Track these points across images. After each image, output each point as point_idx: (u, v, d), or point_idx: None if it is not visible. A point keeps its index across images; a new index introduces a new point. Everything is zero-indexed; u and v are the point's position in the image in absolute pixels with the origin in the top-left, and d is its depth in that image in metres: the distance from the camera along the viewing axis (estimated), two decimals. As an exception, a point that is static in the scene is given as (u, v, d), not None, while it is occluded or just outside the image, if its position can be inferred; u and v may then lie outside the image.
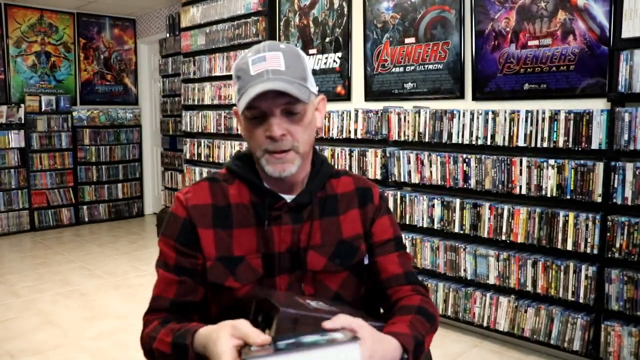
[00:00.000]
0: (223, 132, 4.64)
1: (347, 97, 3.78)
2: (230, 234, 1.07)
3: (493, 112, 2.85)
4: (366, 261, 1.14)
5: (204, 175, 4.77)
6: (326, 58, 3.90)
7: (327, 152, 3.64)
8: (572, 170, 2.57)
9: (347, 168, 3.53)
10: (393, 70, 3.47)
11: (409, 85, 3.39)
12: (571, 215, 2.58)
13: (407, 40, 3.37)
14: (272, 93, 0.97)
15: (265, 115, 1.00)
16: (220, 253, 1.06)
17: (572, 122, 2.57)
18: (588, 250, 2.54)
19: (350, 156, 3.51)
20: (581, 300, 2.57)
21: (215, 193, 1.10)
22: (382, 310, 1.17)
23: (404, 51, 3.40)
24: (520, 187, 2.75)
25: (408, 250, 3.31)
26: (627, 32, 2.42)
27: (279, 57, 1.00)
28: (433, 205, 3.11)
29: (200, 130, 4.94)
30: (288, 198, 1.09)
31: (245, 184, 1.11)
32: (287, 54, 1.01)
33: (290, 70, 1.00)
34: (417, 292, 1.10)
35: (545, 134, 2.66)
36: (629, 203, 2.41)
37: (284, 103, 0.99)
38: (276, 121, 0.99)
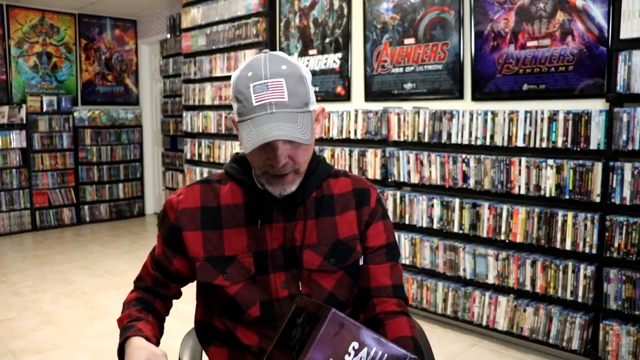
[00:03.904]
0: (223, 132, 4.66)
1: (347, 97, 3.80)
2: (221, 234, 1.10)
3: (492, 112, 2.86)
4: (361, 262, 1.16)
5: (205, 175, 4.78)
6: (326, 59, 3.91)
7: (327, 152, 3.66)
8: (571, 170, 2.58)
9: (347, 168, 3.54)
10: (393, 70, 3.48)
11: (408, 86, 3.40)
12: (570, 215, 2.59)
13: (406, 41, 3.39)
14: (276, 125, 0.95)
15: (268, 144, 0.98)
16: (208, 253, 1.10)
17: (570, 122, 2.58)
18: (587, 250, 2.55)
19: (350, 156, 3.53)
20: (580, 300, 2.59)
21: (206, 195, 1.13)
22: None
23: (403, 52, 3.41)
24: (519, 187, 2.76)
25: (408, 250, 3.34)
26: (625, 33, 2.43)
27: (281, 85, 0.96)
28: (432, 205, 3.12)
29: (200, 131, 4.95)
30: (280, 197, 1.10)
31: (239, 185, 1.13)
32: (290, 78, 0.98)
33: (293, 100, 0.97)
34: (401, 308, 1.13)
35: (544, 134, 2.67)
36: (628, 203, 2.42)
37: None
38: (279, 151, 0.98)
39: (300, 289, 1.10)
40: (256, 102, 0.96)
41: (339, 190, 1.17)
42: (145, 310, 1.14)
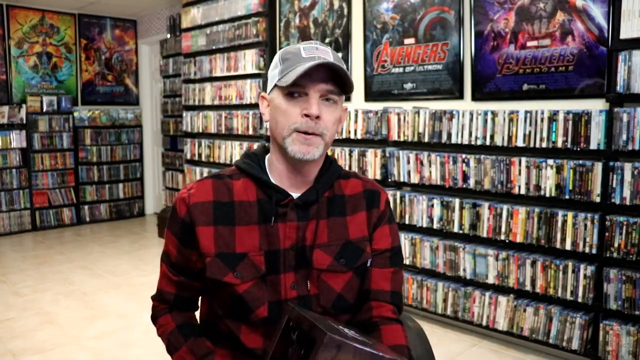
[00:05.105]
0: (224, 132, 4.66)
1: (347, 97, 3.80)
2: (233, 230, 1.08)
3: (492, 112, 2.86)
4: (369, 264, 1.15)
5: (205, 175, 4.79)
6: (326, 58, 3.91)
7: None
8: (571, 170, 2.58)
9: (347, 168, 3.54)
10: (393, 70, 3.48)
11: (408, 86, 3.40)
12: (570, 215, 2.59)
13: (406, 41, 3.39)
14: (318, 77, 1.03)
15: (305, 95, 1.05)
16: (219, 249, 1.07)
17: (570, 122, 2.58)
18: (587, 250, 2.55)
19: (350, 156, 3.53)
20: (580, 300, 2.59)
21: (219, 190, 1.11)
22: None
23: (403, 52, 3.41)
24: (519, 187, 2.76)
25: (408, 250, 3.34)
26: (625, 33, 2.43)
27: (329, 51, 1.08)
28: (432, 205, 3.12)
29: (200, 131, 4.95)
30: (295, 195, 1.10)
31: (253, 180, 1.12)
32: (334, 54, 1.10)
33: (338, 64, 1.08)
34: (396, 315, 1.14)
35: (544, 134, 2.67)
36: (627, 203, 2.42)
37: (325, 90, 1.05)
38: (314, 99, 1.04)
39: (309, 289, 1.09)
40: (306, 55, 1.05)
41: (350, 191, 1.18)
42: (196, 337, 1.13)
